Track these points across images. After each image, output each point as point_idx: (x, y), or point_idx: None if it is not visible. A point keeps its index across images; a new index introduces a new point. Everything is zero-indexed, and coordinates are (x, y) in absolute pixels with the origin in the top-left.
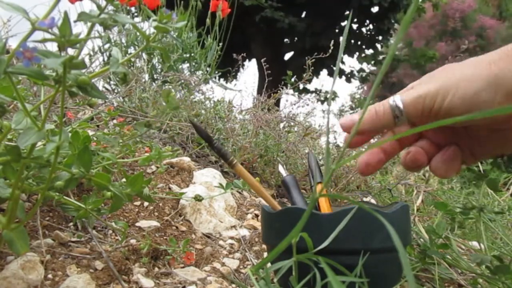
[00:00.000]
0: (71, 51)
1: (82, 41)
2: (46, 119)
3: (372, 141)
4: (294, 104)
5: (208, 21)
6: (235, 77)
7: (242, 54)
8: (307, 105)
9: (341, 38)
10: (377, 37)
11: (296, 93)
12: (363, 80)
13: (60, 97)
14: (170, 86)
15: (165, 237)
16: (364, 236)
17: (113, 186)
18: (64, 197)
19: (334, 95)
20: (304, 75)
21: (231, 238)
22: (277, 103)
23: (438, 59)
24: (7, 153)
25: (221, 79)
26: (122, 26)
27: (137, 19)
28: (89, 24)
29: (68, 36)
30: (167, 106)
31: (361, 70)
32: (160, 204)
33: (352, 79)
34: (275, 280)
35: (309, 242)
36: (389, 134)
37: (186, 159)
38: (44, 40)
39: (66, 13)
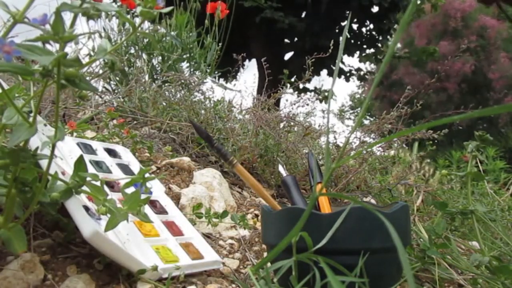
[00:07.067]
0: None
1: (76, 37)
2: (36, 115)
3: (371, 140)
4: (294, 104)
5: (207, 22)
6: (235, 77)
7: (242, 54)
8: (307, 104)
9: (341, 38)
10: (377, 37)
11: (296, 93)
12: (361, 79)
13: (55, 95)
14: (170, 86)
15: None
16: (364, 236)
17: (109, 202)
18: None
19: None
20: (304, 74)
21: (231, 238)
22: (277, 103)
23: (439, 57)
24: (6, 157)
25: (221, 79)
26: (122, 27)
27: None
28: (89, 25)
29: (62, 33)
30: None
31: (359, 69)
32: None
33: (350, 78)
34: (275, 280)
35: (309, 241)
36: None
37: (186, 159)
38: (38, 39)
39: (58, 9)
